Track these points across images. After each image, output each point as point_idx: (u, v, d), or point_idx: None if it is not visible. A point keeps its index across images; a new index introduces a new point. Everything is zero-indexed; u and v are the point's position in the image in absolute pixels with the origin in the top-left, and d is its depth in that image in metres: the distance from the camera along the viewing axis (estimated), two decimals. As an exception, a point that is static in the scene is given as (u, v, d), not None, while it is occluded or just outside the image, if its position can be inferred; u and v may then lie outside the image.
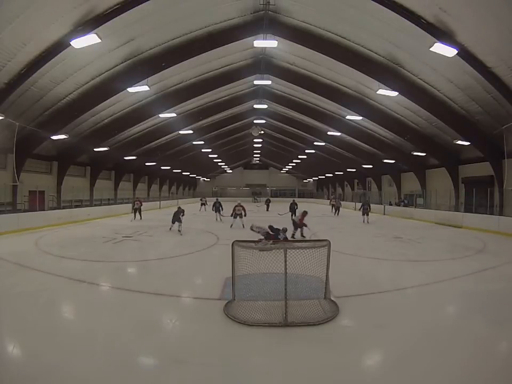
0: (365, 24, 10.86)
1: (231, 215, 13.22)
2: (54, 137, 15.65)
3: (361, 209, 16.37)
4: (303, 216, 10.50)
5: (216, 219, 16.02)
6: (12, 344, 3.42)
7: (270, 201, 26.75)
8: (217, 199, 17.40)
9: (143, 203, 17.40)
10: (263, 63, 15.73)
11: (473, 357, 3.21)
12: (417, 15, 9.49)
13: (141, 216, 16.29)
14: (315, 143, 26.70)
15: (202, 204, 24.63)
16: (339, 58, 12.98)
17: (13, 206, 15.17)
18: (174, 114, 17.94)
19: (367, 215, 16.01)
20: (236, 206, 13.23)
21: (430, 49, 9.70)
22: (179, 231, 11.28)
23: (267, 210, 24.88)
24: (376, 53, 12.29)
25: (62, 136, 15.83)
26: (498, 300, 4.77)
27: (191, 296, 5.16)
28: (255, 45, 12.28)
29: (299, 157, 34.97)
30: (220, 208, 16.24)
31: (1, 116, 11.77)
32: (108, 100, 14.65)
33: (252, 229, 8.82)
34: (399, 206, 22.81)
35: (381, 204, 24.29)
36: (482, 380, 2.88)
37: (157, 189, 36.44)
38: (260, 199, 44.78)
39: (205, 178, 51.89)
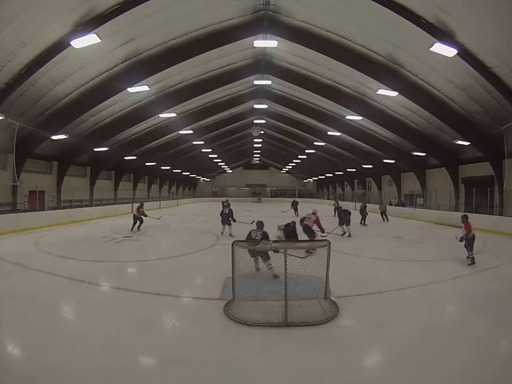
0: (365, 24, 10.86)
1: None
2: (54, 137, 15.66)
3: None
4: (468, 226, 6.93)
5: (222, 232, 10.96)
6: (12, 344, 3.42)
7: (297, 204, 20.95)
8: (228, 203, 12.97)
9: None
10: (263, 63, 15.72)
11: (472, 357, 3.21)
12: (417, 15, 9.49)
13: (140, 224, 12.31)
14: (315, 143, 26.69)
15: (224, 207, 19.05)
16: (339, 58, 12.98)
17: (13, 206, 15.17)
18: (174, 114, 17.93)
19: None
20: (308, 215, 8.90)
21: (430, 49, 9.69)
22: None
23: (297, 215, 18.92)
24: (376, 53, 12.29)
25: (62, 136, 15.84)
26: (498, 300, 4.77)
27: (191, 296, 5.15)
28: (255, 45, 12.29)
29: (299, 157, 34.97)
30: (231, 218, 10.87)
31: (1, 116, 11.77)
32: (108, 100, 14.65)
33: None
34: (397, 206, 22.81)
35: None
36: (482, 379, 2.88)
37: (157, 189, 36.44)
38: (261, 199, 44.55)
39: (205, 178, 51.91)
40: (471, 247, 6.82)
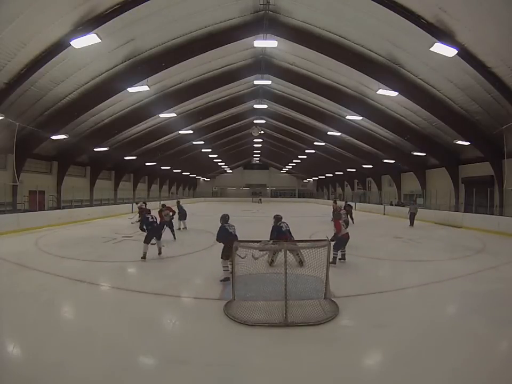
0: (365, 24, 10.86)
1: None
2: (54, 137, 15.65)
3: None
4: None
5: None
6: (12, 344, 3.42)
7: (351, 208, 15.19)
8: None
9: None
10: (263, 63, 15.73)
11: (472, 357, 3.21)
12: (417, 15, 9.50)
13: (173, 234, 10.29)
14: (315, 143, 26.70)
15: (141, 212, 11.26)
16: (339, 58, 12.98)
17: (13, 206, 15.16)
18: (174, 114, 17.94)
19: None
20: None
21: (430, 49, 9.70)
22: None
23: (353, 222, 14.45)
24: (376, 53, 12.29)
25: (62, 136, 15.84)
26: (498, 300, 4.77)
27: (191, 296, 5.16)
28: (255, 45, 12.29)
29: (299, 157, 34.98)
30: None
31: (1, 116, 11.76)
32: (108, 100, 14.65)
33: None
34: (397, 205, 22.84)
35: (381, 204, 24.28)
36: (482, 379, 2.88)
37: (157, 189, 36.45)
38: (262, 200, 44.25)
39: (205, 178, 51.92)
40: (338, 248, 6.57)
